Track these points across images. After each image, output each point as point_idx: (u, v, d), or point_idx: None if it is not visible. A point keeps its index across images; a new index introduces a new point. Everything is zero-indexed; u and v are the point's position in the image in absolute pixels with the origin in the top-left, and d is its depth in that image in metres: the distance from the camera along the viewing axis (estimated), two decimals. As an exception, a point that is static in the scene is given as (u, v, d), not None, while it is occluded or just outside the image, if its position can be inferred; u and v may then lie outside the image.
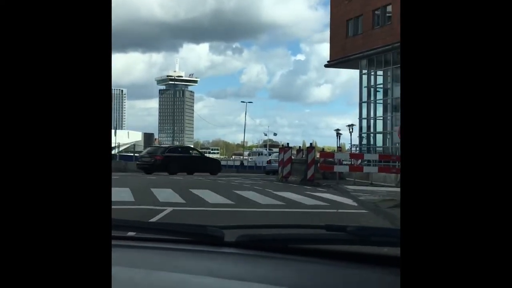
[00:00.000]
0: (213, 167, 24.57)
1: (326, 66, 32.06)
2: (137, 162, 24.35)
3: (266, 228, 1.36)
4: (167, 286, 0.87)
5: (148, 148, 26.47)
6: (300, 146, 21.99)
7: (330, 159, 18.38)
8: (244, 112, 59.08)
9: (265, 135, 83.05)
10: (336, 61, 30.64)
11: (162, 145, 24.80)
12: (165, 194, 10.41)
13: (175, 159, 22.78)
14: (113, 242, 1.14)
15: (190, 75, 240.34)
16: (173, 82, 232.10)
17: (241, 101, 74.96)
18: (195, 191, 11.35)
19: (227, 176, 23.04)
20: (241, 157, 65.80)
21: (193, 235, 1.30)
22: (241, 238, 1.23)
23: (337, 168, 17.08)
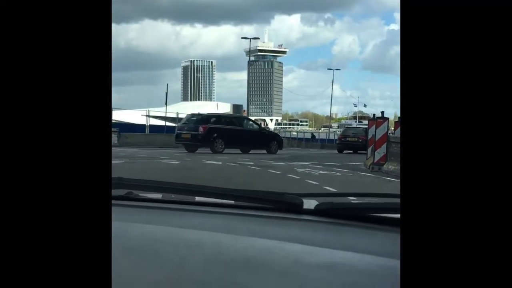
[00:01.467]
0: (272, 143, 19.62)
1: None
2: (176, 136, 19.07)
3: (345, 196, 1.42)
4: (252, 251, 0.88)
5: (188, 115, 20.36)
6: (399, 118, 16.51)
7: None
8: (335, 83, 57.39)
9: (355, 106, 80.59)
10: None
11: (206, 113, 20.96)
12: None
13: (223, 132, 18.14)
14: (196, 207, 1.30)
15: (279, 45, 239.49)
16: (261, 53, 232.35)
17: (328, 68, 73.32)
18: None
19: (290, 155, 18.68)
20: (329, 129, 63.94)
21: (271, 202, 1.30)
22: (320, 206, 1.23)
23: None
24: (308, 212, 1.24)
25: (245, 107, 52.72)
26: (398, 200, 1.14)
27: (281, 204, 1.28)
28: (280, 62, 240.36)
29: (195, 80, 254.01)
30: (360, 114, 78.85)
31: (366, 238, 1.05)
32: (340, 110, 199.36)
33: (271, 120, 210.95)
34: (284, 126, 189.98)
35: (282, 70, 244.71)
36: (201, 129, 17.98)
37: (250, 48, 35.85)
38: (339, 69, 64.79)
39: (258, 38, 40.52)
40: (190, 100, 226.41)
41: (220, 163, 12.50)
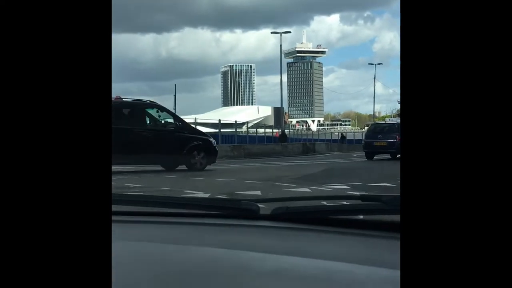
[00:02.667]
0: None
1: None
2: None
3: (301, 200, 1.33)
4: (200, 261, 0.87)
5: None
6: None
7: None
8: (377, 81, 55.91)
9: (399, 103, 78.58)
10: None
11: None
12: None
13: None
14: (144, 218, 1.28)
15: (317, 45, 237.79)
16: (300, 55, 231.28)
17: (369, 63, 71.37)
18: None
19: (324, 168, 12.81)
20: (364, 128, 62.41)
21: (227, 209, 1.30)
22: (276, 210, 1.23)
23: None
24: (265, 217, 1.22)
25: (286, 110, 52.00)
26: (355, 202, 1.22)
27: (237, 211, 1.26)
28: (319, 63, 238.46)
29: (235, 85, 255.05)
30: (404, 112, 76.83)
31: (319, 242, 1.03)
32: (383, 108, 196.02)
33: (313, 121, 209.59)
34: (326, 127, 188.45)
35: (322, 71, 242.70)
36: None
37: (281, 43, 34.70)
38: (381, 63, 62.85)
39: (289, 32, 38.81)
40: (231, 105, 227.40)
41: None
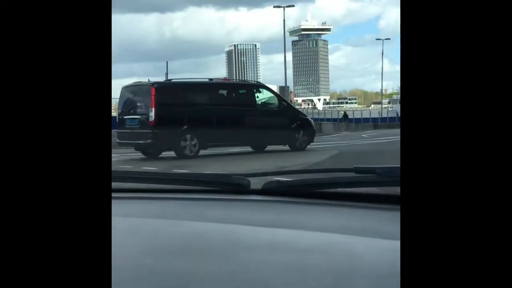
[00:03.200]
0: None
1: None
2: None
3: (294, 173, 1.35)
4: (192, 235, 0.86)
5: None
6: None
7: None
8: (383, 59, 54.68)
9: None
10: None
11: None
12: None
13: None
14: (134, 194, 1.28)
15: (322, 23, 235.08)
16: (305, 32, 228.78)
17: (376, 39, 70.36)
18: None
19: (334, 152, 11.84)
20: (381, 105, 60.72)
21: (217, 184, 1.30)
22: (268, 185, 1.22)
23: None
24: (256, 192, 1.22)
25: (292, 88, 50.83)
26: (348, 174, 1.18)
27: (227, 186, 1.25)
28: (325, 40, 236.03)
29: (239, 64, 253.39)
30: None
31: (311, 215, 1.03)
32: (390, 86, 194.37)
33: (319, 100, 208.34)
34: (332, 105, 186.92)
35: (327, 48, 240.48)
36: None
37: (284, 18, 33.34)
38: (389, 38, 61.52)
39: (293, 6, 36.75)
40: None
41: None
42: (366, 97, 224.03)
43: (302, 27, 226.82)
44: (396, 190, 1.06)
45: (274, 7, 36.21)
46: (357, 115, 44.84)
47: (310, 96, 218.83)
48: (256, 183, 1.24)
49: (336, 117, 40.49)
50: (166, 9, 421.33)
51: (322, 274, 0.65)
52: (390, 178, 1.11)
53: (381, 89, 63.12)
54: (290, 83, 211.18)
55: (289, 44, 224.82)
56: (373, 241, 0.80)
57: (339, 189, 1.17)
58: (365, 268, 0.68)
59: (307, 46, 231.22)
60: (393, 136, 16.26)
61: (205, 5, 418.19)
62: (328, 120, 35.85)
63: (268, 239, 0.81)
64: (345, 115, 39.52)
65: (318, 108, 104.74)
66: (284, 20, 33.69)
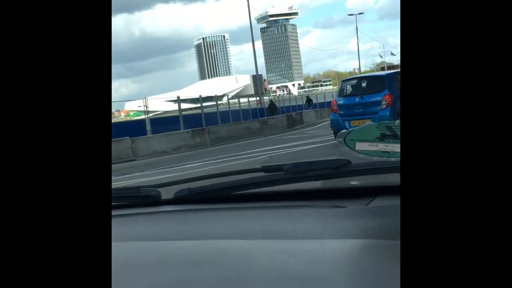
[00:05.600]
0: None
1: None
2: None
3: (204, 179, 1.29)
4: None
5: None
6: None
7: None
8: (354, 36, 52.78)
9: (381, 56, 75.29)
10: None
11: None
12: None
13: None
14: None
15: (289, 8, 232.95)
16: (273, 19, 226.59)
17: (349, 14, 69.10)
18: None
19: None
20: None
21: (127, 199, 1.25)
22: (179, 193, 1.20)
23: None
24: (167, 202, 1.20)
25: (265, 77, 48.75)
26: (258, 174, 1.16)
27: (138, 199, 1.22)
28: (293, 25, 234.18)
29: (210, 57, 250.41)
30: (388, 65, 73.24)
31: (219, 221, 1.01)
32: (363, 64, 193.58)
33: (293, 85, 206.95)
34: (307, 89, 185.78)
35: (296, 33, 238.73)
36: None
37: (248, 4, 31.33)
38: (362, 13, 59.66)
39: None
40: (208, 78, 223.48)
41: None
42: (340, 78, 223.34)
43: (269, 13, 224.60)
44: (303, 185, 1.12)
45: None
46: (330, 98, 41.87)
47: (284, 82, 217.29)
48: (169, 192, 1.22)
49: (315, 101, 38.03)
50: (134, 8, 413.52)
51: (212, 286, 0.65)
52: (297, 174, 1.11)
53: (359, 66, 60.56)
54: (263, 71, 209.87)
55: (258, 32, 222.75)
56: (269, 243, 0.80)
57: (250, 191, 1.16)
58: (256, 272, 0.67)
59: (276, 32, 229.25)
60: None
61: (172, 1, 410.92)
62: (295, 107, 32.06)
63: (173, 253, 0.80)
64: (308, 100, 34.32)
65: (294, 94, 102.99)
66: (248, 6, 31.51)
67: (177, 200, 1.19)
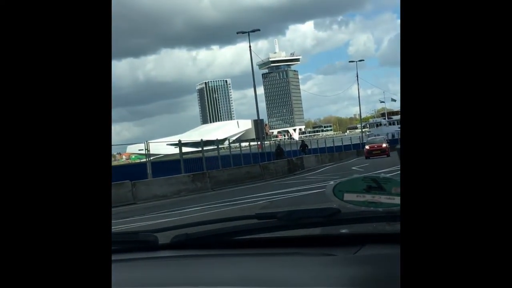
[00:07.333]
0: None
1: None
2: None
3: (201, 225, 1.33)
4: None
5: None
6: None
7: None
8: (355, 83, 53.45)
9: (382, 102, 75.71)
10: None
11: None
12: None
13: None
14: None
15: (291, 54, 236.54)
16: (274, 64, 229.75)
17: (350, 61, 71.69)
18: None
19: None
20: (362, 130, 58.76)
21: (124, 243, 1.27)
22: (176, 238, 1.22)
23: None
24: (164, 247, 1.22)
25: (266, 121, 49.03)
26: (252, 221, 1.22)
27: (135, 244, 1.24)
28: (295, 71, 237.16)
29: (212, 102, 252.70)
30: (388, 110, 73.71)
31: (216, 268, 1.04)
32: (364, 110, 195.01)
33: (294, 130, 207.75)
34: (308, 135, 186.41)
35: (298, 78, 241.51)
36: None
37: (250, 42, 31.83)
38: (363, 60, 61.14)
39: (258, 30, 34.52)
40: (210, 122, 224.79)
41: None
42: (341, 123, 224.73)
43: (270, 59, 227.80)
44: (295, 232, 1.16)
45: (237, 33, 34.48)
46: (336, 143, 41.85)
47: (285, 127, 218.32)
48: (166, 237, 1.24)
49: (316, 146, 37.88)
50: (140, 53, 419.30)
51: None
52: (290, 222, 1.15)
53: (359, 112, 60.79)
54: (264, 116, 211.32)
55: (260, 78, 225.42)
56: None
57: (245, 237, 1.19)
58: None
59: (278, 77, 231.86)
60: (393, 166, 14.09)
61: (178, 46, 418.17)
62: (295, 152, 31.09)
63: None
64: (304, 145, 32.03)
65: (295, 139, 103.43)
66: (250, 50, 32.09)
67: (174, 245, 1.21)
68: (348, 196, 1.11)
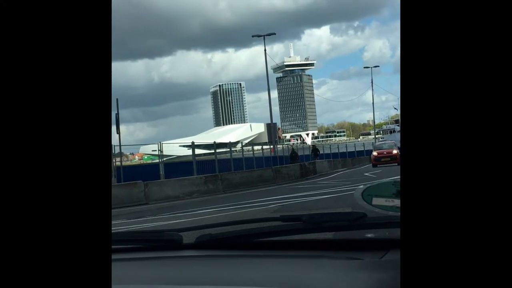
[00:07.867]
0: None
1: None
2: None
3: (225, 226, 1.32)
4: None
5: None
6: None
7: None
8: (369, 89, 53.19)
9: (395, 108, 75.43)
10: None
11: None
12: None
13: None
14: None
15: (305, 58, 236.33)
16: (289, 68, 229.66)
17: (364, 67, 71.51)
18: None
19: None
20: (375, 136, 58.42)
21: (150, 242, 1.29)
22: (200, 238, 1.23)
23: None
24: (189, 246, 1.23)
25: (279, 125, 48.93)
26: (276, 223, 1.23)
27: (160, 243, 1.26)
28: (309, 75, 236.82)
29: (226, 104, 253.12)
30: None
31: (241, 268, 1.04)
32: (377, 116, 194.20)
33: (307, 134, 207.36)
34: (321, 139, 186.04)
35: (312, 83, 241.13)
36: None
37: (265, 46, 31.73)
38: (378, 66, 61.24)
39: (274, 34, 34.38)
40: (223, 125, 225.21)
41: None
42: (354, 129, 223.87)
43: (285, 63, 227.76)
44: (321, 235, 1.17)
45: (253, 36, 34.47)
46: (346, 148, 41.59)
47: (298, 131, 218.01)
48: (190, 236, 1.25)
49: (329, 151, 37.68)
50: (155, 54, 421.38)
51: None
52: (314, 225, 1.15)
53: (373, 118, 60.20)
54: (278, 120, 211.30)
55: (274, 82, 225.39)
56: None
57: (270, 238, 1.19)
58: None
59: (292, 81, 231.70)
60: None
61: (194, 48, 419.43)
62: (308, 157, 30.42)
63: None
64: (315, 149, 30.88)
65: (308, 143, 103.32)
66: (265, 53, 32.06)
67: (199, 245, 1.22)
68: (376, 201, 1.09)
